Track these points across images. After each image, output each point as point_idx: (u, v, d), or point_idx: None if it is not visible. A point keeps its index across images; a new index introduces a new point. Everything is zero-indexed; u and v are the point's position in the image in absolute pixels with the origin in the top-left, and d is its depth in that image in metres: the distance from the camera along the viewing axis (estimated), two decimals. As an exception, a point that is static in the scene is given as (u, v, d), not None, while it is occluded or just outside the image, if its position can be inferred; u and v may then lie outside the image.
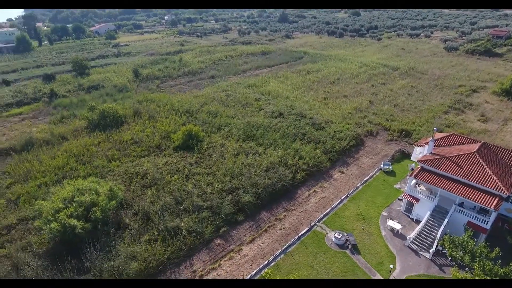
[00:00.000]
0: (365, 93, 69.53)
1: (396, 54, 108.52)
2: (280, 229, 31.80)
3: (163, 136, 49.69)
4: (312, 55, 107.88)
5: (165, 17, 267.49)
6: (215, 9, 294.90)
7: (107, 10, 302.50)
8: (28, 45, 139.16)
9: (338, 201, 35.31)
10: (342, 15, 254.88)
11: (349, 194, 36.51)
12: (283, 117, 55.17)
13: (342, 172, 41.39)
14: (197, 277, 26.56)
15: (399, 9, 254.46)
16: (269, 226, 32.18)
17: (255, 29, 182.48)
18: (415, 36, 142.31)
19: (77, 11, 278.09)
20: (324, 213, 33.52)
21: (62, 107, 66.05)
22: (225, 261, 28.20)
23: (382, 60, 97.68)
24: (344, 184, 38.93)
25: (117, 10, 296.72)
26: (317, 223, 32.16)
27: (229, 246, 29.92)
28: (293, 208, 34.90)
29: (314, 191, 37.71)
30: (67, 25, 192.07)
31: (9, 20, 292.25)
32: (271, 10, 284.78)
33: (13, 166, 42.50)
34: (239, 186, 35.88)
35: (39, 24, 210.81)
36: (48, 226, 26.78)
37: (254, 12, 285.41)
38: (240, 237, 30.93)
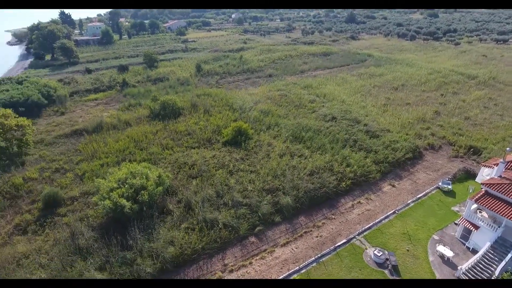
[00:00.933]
0: (432, 102, 63.61)
1: (475, 61, 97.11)
2: (317, 237, 30.80)
3: (215, 130, 51.50)
4: (377, 58, 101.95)
5: (233, 15, 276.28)
6: (281, 9, 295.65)
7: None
8: (110, 38, 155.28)
9: (383, 216, 32.95)
10: (417, 16, 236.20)
11: (397, 210, 33.80)
12: (335, 121, 53.21)
13: (393, 186, 38.47)
14: (227, 271, 27.07)
15: (486, 11, 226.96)
16: (305, 232, 31.38)
17: (319, 29, 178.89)
18: (501, 42, 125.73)
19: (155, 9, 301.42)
20: (366, 226, 31.55)
21: (130, 96, 72.44)
22: (256, 260, 28.28)
23: (458, 67, 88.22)
24: (393, 198, 36.14)
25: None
26: (356, 236, 30.44)
27: (263, 245, 29.90)
28: (333, 216, 33.51)
29: (359, 202, 35.70)
30: (145, 21, 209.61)
31: (99, 15, 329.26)
32: (339, 10, 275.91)
33: (84, 145, 47.93)
34: (280, 187, 35.62)
35: (121, 20, 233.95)
36: (102, 202, 29.63)
37: (321, 11, 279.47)
38: (275, 238, 30.71)
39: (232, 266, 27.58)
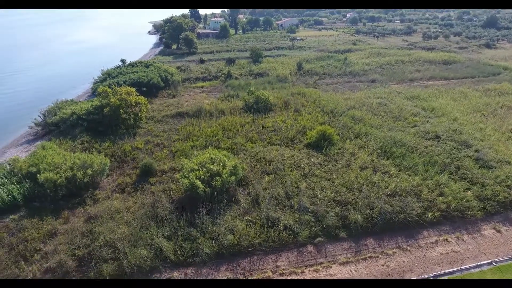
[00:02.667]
0: None
1: None
2: (383, 265, 27.65)
3: (300, 130, 51.11)
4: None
5: (347, 15, 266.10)
6: (404, 9, 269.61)
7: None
8: (226, 33, 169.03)
9: (474, 264, 27.28)
10: None
11: (496, 262, 27.48)
12: (438, 141, 46.20)
13: (498, 231, 31.32)
14: (277, 273, 26.86)
15: None
16: (370, 256, 28.53)
17: (445, 34, 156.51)
18: None
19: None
20: (448, 270, 26.69)
21: (231, 87, 77.86)
22: (309, 271, 27.19)
23: None
24: (495, 246, 29.47)
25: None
26: (431, 278, 26.08)
27: (320, 258, 28.52)
28: (408, 248, 29.46)
29: (446, 239, 30.37)
30: (260, 18, 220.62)
31: (222, 11, 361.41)
32: (478, 11, 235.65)
33: (183, 126, 53.95)
34: (353, 202, 33.13)
35: (240, 16, 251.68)
36: (182, 180, 33.03)
37: (452, 13, 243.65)
38: (335, 254, 28.88)
39: (283, 269, 27.22)
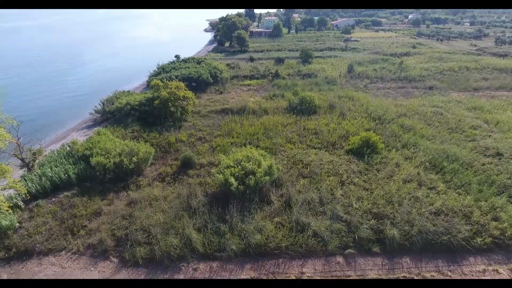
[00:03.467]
0: None
1: None
2: (417, 288, 25.59)
3: (342, 135, 49.44)
4: None
5: (410, 16, 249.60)
6: (476, 9, 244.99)
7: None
8: (279, 32, 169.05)
9: (528, 302, 23.97)
10: None
11: (556, 304, 23.83)
12: (500, 158, 41.38)
13: None
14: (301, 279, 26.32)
15: None
16: (404, 277, 26.54)
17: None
18: None
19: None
20: (494, 304, 23.83)
21: (277, 87, 77.84)
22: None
23: None
24: (557, 285, 25.58)
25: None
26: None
27: (348, 270, 27.26)
28: (449, 273, 26.83)
29: (496, 270, 27.07)
30: (314, 18, 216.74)
31: (278, 10, 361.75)
32: None
33: (225, 123, 55.25)
34: (391, 216, 31.10)
35: (294, 15, 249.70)
36: (217, 175, 33.86)
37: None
38: (365, 268, 27.39)
39: (308, 276, 26.53)
